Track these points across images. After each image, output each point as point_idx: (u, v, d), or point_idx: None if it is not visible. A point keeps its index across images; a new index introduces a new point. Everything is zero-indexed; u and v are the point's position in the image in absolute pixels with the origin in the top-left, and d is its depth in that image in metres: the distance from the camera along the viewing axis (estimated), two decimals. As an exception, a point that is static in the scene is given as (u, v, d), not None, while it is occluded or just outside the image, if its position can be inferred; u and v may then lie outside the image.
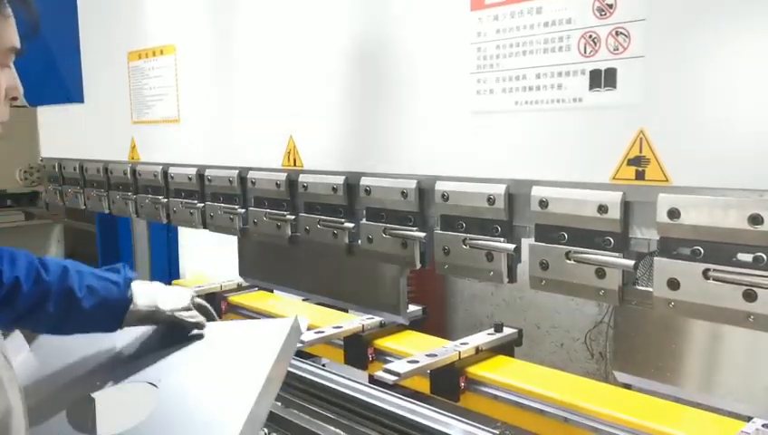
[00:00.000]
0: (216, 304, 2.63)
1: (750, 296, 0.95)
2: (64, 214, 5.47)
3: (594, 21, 1.08)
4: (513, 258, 1.26)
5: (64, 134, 2.69)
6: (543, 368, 1.84)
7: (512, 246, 1.24)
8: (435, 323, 2.27)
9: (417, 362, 1.71)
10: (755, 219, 0.93)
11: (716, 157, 0.99)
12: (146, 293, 1.50)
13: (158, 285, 1.58)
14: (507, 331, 1.92)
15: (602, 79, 1.09)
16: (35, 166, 4.81)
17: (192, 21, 1.97)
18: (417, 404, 1.86)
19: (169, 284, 3.02)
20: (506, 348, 1.89)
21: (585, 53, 1.10)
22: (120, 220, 3.74)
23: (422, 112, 1.36)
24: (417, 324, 2.09)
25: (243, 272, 2.10)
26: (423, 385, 1.78)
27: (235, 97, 1.85)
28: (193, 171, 2.00)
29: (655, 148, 1.04)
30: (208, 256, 2.99)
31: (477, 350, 1.81)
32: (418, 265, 1.43)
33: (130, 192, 2.30)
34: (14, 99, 1.07)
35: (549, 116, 1.16)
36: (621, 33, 1.06)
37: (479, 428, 1.73)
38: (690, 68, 1.00)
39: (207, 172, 1.94)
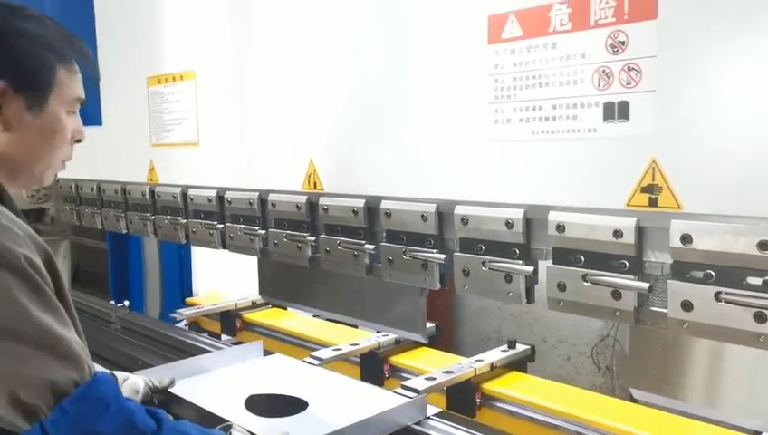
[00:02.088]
0: (232, 322, 2.69)
1: (760, 318, 1.00)
2: (70, 230, 5.54)
3: (607, 56, 1.15)
4: (531, 280, 1.32)
5: (81, 155, 2.73)
6: (555, 383, 1.89)
7: (530, 269, 1.30)
8: (443, 337, 2.33)
9: (435, 378, 1.76)
10: (764, 245, 0.99)
11: (726, 185, 1.05)
12: None
13: None
14: (520, 347, 1.98)
15: (616, 111, 1.15)
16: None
17: (211, 47, 2.04)
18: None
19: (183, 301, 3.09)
20: (519, 364, 1.95)
21: (599, 86, 1.17)
22: (132, 237, 3.79)
23: (442, 139, 1.42)
24: (430, 341, 2.15)
25: (263, 291, 2.15)
26: (439, 401, 1.83)
27: (255, 121, 1.91)
28: (213, 193, 2.06)
29: (667, 176, 1.10)
30: (223, 274, 3.04)
31: (492, 366, 1.86)
32: (438, 287, 1.49)
33: (149, 213, 2.36)
34: (78, 141, 1.21)
35: (565, 145, 1.22)
36: (633, 68, 1.12)
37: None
38: (699, 101, 1.06)
39: (227, 194, 2.00)
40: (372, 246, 1.61)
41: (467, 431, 1.55)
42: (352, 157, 1.64)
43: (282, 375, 1.87)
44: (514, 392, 1.77)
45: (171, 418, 1.10)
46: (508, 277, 1.33)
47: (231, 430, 1.43)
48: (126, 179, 2.47)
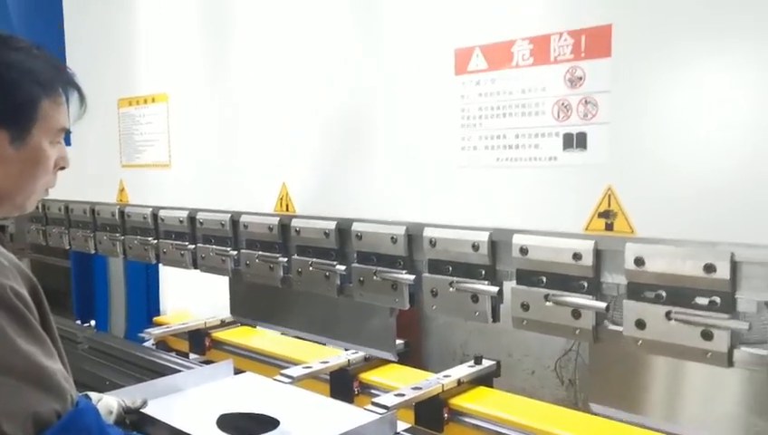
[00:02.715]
0: (200, 341, 2.69)
1: (707, 336, 1.08)
2: (31, 248, 5.43)
3: (566, 90, 1.23)
4: (497, 300, 1.38)
5: (49, 175, 2.73)
6: (520, 398, 1.96)
7: (495, 289, 1.36)
8: (412, 348, 2.39)
9: (404, 395, 1.81)
10: (709, 268, 1.07)
11: (676, 211, 1.13)
12: None
13: None
14: (486, 363, 2.04)
15: (574, 141, 1.23)
16: None
17: (185, 70, 2.07)
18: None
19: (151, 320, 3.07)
20: (486, 379, 2.01)
21: (558, 118, 1.24)
22: (96, 256, 3.76)
23: (412, 164, 1.48)
24: (399, 357, 2.19)
25: (234, 311, 2.17)
26: (408, 417, 1.87)
27: (228, 143, 1.95)
28: (184, 214, 2.08)
29: (621, 203, 1.18)
30: (191, 293, 3.04)
31: (459, 382, 1.92)
32: (408, 307, 1.54)
33: (118, 233, 2.37)
34: (62, 168, 1.23)
35: (527, 172, 1.30)
36: (590, 102, 1.20)
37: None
38: (650, 132, 1.15)
39: (199, 215, 2.02)
40: (343, 267, 1.65)
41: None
42: (324, 180, 1.69)
43: (252, 394, 1.90)
44: (481, 407, 1.83)
45: None
46: (474, 298, 1.40)
47: None
48: (95, 199, 2.47)
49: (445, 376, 1.93)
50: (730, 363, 1.08)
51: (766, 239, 1.03)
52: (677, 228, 1.12)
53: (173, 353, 2.57)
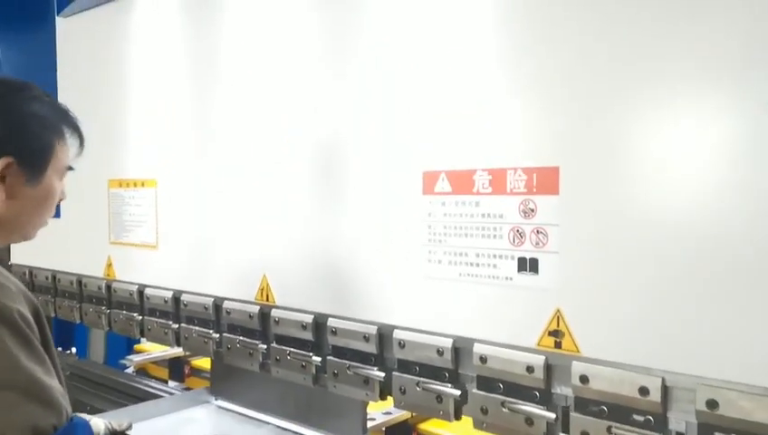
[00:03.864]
0: (180, 369, 2.79)
1: (643, 451, 1.21)
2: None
3: (520, 219, 1.37)
4: (460, 401, 1.50)
5: (37, 243, 2.81)
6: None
7: (458, 392, 1.48)
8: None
9: (375, 419, 1.93)
10: (643, 390, 1.20)
11: (615, 335, 1.26)
12: None
13: None
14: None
15: (527, 265, 1.36)
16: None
17: (173, 158, 2.20)
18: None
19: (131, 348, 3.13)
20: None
21: (514, 242, 1.38)
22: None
23: (384, 272, 1.61)
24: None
25: (215, 391, 2.27)
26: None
27: (213, 231, 2.06)
28: (169, 294, 2.18)
29: (569, 324, 1.31)
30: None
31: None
32: (378, 400, 1.65)
33: (104, 306, 2.46)
34: (61, 200, 1.35)
35: (486, 289, 1.43)
36: (541, 232, 1.34)
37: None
38: (596, 264, 1.28)
39: (184, 297, 2.13)
40: (319, 359, 1.76)
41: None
42: (303, 277, 1.80)
43: (233, 420, 2.00)
44: (447, 432, 1.95)
45: None
46: (439, 398, 1.51)
47: None
48: (83, 272, 2.56)
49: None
50: (663, 477, 1.21)
51: (692, 369, 1.16)
52: (618, 351, 1.25)
53: (152, 380, 2.66)
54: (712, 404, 1.12)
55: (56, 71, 2.67)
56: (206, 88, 2.08)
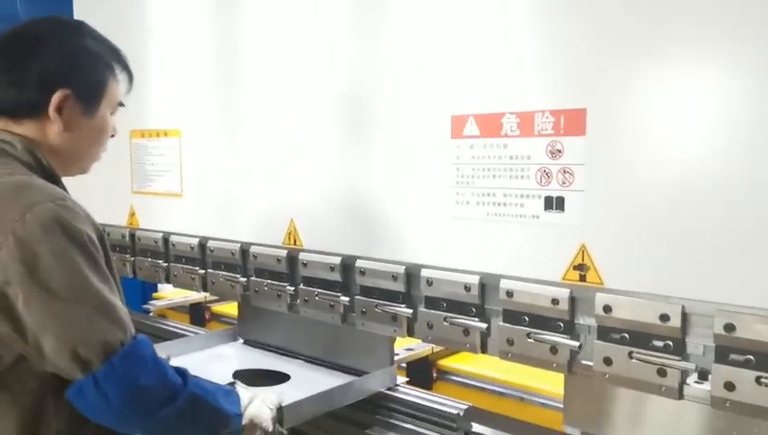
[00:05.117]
0: (201, 314, 2.89)
1: (662, 373, 1.30)
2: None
3: (547, 160, 1.44)
4: (485, 334, 1.59)
5: (57, 195, 2.87)
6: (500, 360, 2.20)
7: (484, 325, 1.57)
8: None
9: (398, 354, 2.04)
10: (663, 317, 1.29)
11: (637, 268, 1.34)
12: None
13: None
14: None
15: (554, 204, 1.44)
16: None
17: (198, 107, 2.24)
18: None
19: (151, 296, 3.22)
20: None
21: (541, 183, 1.45)
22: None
23: (411, 214, 1.68)
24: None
25: (242, 333, 2.35)
26: (400, 376, 2.08)
27: (240, 178, 2.12)
28: (195, 241, 2.25)
29: (593, 258, 1.39)
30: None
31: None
32: (406, 337, 1.75)
33: (128, 254, 2.53)
34: (113, 136, 1.43)
35: (513, 227, 1.51)
36: (568, 171, 1.41)
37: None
38: (618, 200, 1.36)
39: (210, 243, 2.20)
40: (347, 298, 1.85)
41: (428, 394, 1.85)
42: (331, 221, 1.87)
43: (261, 355, 2.11)
44: (465, 366, 2.08)
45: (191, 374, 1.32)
46: (466, 332, 1.60)
47: (235, 385, 1.63)
48: (104, 221, 2.62)
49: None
50: (680, 396, 1.31)
51: (710, 296, 1.25)
52: (639, 283, 1.34)
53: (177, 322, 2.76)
54: (729, 328, 1.21)
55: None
56: (230, 35, 2.11)
